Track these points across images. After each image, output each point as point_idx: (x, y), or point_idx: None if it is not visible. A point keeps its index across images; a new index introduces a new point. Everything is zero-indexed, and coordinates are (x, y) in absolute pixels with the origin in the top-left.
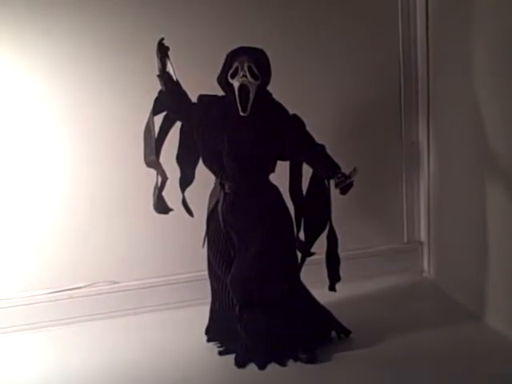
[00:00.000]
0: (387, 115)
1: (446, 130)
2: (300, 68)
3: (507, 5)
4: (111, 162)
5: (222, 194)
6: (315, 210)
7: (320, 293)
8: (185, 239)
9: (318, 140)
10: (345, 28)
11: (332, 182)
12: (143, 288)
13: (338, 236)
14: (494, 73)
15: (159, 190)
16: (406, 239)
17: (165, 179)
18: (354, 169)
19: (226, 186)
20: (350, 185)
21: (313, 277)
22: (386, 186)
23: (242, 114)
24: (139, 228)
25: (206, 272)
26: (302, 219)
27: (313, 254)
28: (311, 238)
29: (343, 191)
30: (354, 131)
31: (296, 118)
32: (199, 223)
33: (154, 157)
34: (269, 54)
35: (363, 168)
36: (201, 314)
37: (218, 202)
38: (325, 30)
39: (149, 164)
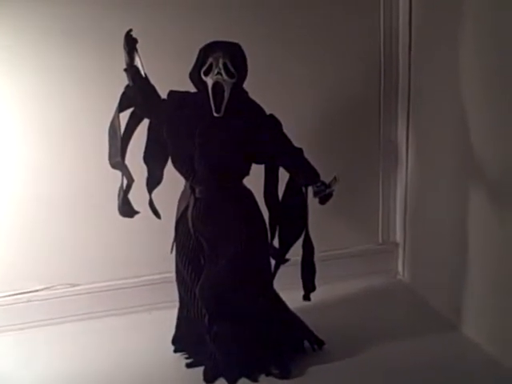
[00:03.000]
0: (365, 112)
1: (427, 129)
2: (275, 62)
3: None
4: (71, 160)
5: (192, 198)
6: (291, 217)
7: (292, 296)
8: (150, 240)
9: (293, 138)
10: (323, 20)
11: (310, 189)
12: (105, 291)
13: (311, 236)
14: (479, 72)
15: (124, 192)
16: (380, 240)
17: (131, 182)
18: (335, 178)
19: (197, 190)
20: (330, 195)
21: (285, 279)
22: (361, 185)
23: (215, 114)
24: (101, 228)
25: (174, 276)
26: (277, 226)
27: (287, 260)
28: (286, 246)
29: (322, 201)
30: (330, 128)
31: (273, 119)
32: (165, 223)
33: (119, 158)
34: (242, 46)
35: (339, 165)
36: (168, 320)
37: (187, 206)
38: (301, 22)
39: (114, 165)
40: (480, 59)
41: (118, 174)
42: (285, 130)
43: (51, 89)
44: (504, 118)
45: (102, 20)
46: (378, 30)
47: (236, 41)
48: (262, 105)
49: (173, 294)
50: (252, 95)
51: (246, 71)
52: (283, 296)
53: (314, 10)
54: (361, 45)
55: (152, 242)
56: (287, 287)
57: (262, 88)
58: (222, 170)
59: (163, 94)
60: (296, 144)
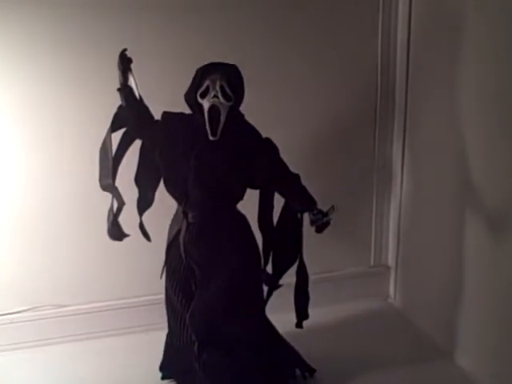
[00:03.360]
0: (360, 133)
1: (422, 152)
2: (268, 81)
3: (496, 25)
4: (60, 179)
5: (185, 223)
6: (285, 243)
7: (283, 318)
8: (139, 261)
9: (284, 158)
10: (320, 38)
11: (305, 216)
12: (92, 312)
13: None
14: (479, 96)
15: (114, 215)
16: (372, 262)
17: (121, 205)
18: (332, 207)
19: (190, 215)
20: (327, 223)
21: (276, 301)
22: (354, 206)
23: (211, 138)
24: (89, 248)
25: (163, 296)
26: (271, 252)
27: (280, 286)
28: (279, 272)
29: (319, 229)
30: (324, 149)
31: (269, 144)
32: (155, 245)
33: (110, 180)
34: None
35: (332, 186)
36: (156, 342)
37: (179, 231)
38: (297, 40)
39: (104, 188)
40: (481, 81)
41: (108, 195)
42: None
43: (42, 107)
44: (502, 143)
45: (98, 23)
46: (376, 49)
47: (232, 58)
48: (252, 122)
49: (161, 316)
50: (243, 110)
51: (242, 94)
52: (274, 318)
53: (311, 28)
54: (357, 65)
55: (140, 263)
56: (278, 309)
57: (254, 105)
58: (217, 195)
59: (156, 115)
60: (289, 165)
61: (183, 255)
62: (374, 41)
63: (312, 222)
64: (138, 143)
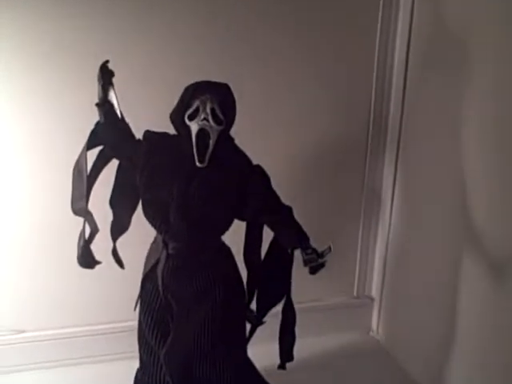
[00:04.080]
0: (349, 157)
1: (416, 181)
2: (256, 100)
3: (500, 52)
4: (28, 199)
5: (164, 253)
6: (272, 280)
7: (261, 351)
8: (110, 285)
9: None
10: (315, 62)
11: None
12: (55, 339)
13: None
14: (481, 126)
15: (87, 241)
16: (355, 293)
17: (95, 231)
18: (329, 248)
19: (170, 246)
20: (322, 265)
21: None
22: (339, 233)
23: (198, 164)
24: (51, 269)
25: (132, 323)
26: (256, 288)
27: (263, 322)
28: (264, 310)
29: (313, 271)
30: (309, 171)
31: (260, 172)
32: (128, 271)
33: (84, 204)
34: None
35: (316, 211)
36: (126, 373)
37: (158, 262)
38: (290, 64)
39: (77, 212)
40: (482, 109)
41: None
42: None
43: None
44: (506, 179)
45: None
46: (371, 75)
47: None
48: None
49: (131, 344)
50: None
51: (234, 117)
52: (252, 350)
53: (306, 50)
54: (351, 88)
55: (111, 288)
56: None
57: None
58: (201, 226)
59: (138, 134)
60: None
61: (160, 288)
62: (368, 65)
63: (305, 263)
64: (113, 162)
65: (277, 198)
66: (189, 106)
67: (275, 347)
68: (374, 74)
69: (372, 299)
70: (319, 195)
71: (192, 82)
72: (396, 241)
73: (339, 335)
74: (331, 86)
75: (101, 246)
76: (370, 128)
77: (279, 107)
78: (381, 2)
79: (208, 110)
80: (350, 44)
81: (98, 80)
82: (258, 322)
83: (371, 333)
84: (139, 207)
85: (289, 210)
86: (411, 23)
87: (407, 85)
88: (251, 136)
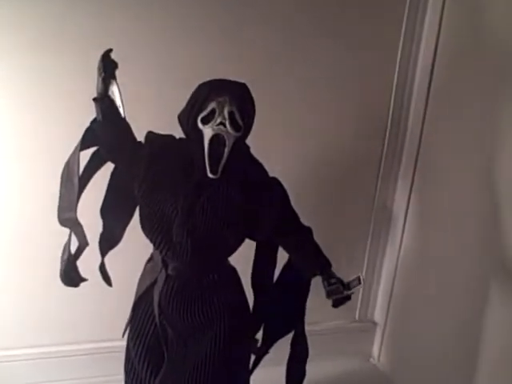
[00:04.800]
0: (362, 170)
1: (433, 200)
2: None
3: None
4: (11, 210)
5: (163, 274)
6: (284, 308)
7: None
8: (95, 303)
9: None
10: (332, 68)
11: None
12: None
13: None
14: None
15: (73, 257)
16: (357, 317)
17: (84, 245)
18: (358, 278)
19: (171, 266)
20: (348, 298)
21: None
22: (344, 250)
23: (210, 175)
24: (21, 283)
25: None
26: (265, 317)
27: (268, 352)
28: (271, 341)
29: (337, 303)
30: (316, 184)
31: (278, 186)
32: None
33: (73, 213)
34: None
35: (322, 227)
36: None
37: (154, 283)
38: (306, 70)
39: (64, 222)
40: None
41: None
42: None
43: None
44: None
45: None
46: (390, 89)
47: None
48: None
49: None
50: None
51: (252, 122)
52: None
53: (323, 58)
54: (368, 102)
55: (94, 306)
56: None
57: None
58: (208, 246)
59: (139, 135)
60: None
61: (156, 314)
62: (388, 79)
63: (328, 294)
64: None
65: (296, 216)
66: (203, 108)
67: (277, 371)
68: (394, 88)
69: (375, 324)
70: (325, 210)
71: (200, 77)
72: (406, 263)
73: (337, 361)
74: (349, 99)
75: (88, 260)
76: (385, 144)
77: (291, 118)
78: (404, 16)
79: (226, 114)
80: (369, 58)
81: (99, 71)
82: (263, 354)
83: (371, 360)
84: (134, 218)
85: (309, 231)
86: (437, 40)
87: (429, 101)
88: (261, 147)
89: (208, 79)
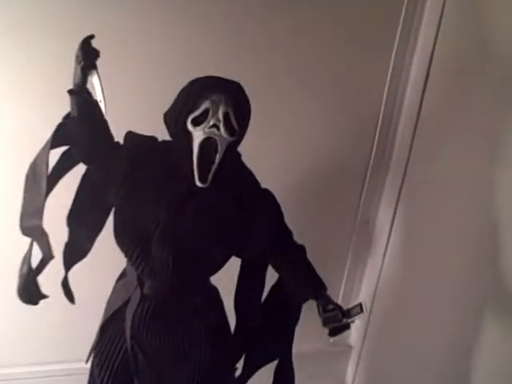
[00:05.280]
0: (345, 181)
1: (420, 218)
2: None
3: None
4: None
5: (138, 294)
6: (268, 333)
7: None
8: (54, 321)
9: None
10: (323, 77)
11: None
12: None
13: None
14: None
15: (35, 271)
16: (332, 339)
17: (49, 258)
18: (360, 306)
19: (147, 285)
20: (347, 327)
21: None
22: (322, 266)
23: (198, 184)
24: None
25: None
26: (246, 342)
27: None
28: (253, 369)
29: (334, 333)
30: (299, 196)
31: (269, 198)
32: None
33: (38, 221)
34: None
35: (302, 238)
36: None
37: (127, 303)
38: (297, 77)
39: (27, 231)
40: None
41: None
42: None
43: None
44: None
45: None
46: (381, 96)
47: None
48: None
49: None
50: None
51: (247, 126)
52: None
53: (316, 66)
54: (358, 108)
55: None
56: None
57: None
58: (191, 263)
59: (117, 136)
60: None
61: (128, 337)
62: (379, 87)
63: (325, 321)
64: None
65: (288, 232)
66: (195, 107)
67: None
68: (384, 100)
69: (350, 347)
70: (306, 223)
71: (190, 73)
72: (387, 284)
73: None
74: (337, 110)
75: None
76: (372, 156)
77: (277, 125)
78: (401, 19)
79: (220, 115)
80: (361, 63)
81: (77, 60)
82: (243, 382)
83: None
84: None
85: (302, 249)
86: (434, 45)
87: (420, 114)
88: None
89: (199, 76)
